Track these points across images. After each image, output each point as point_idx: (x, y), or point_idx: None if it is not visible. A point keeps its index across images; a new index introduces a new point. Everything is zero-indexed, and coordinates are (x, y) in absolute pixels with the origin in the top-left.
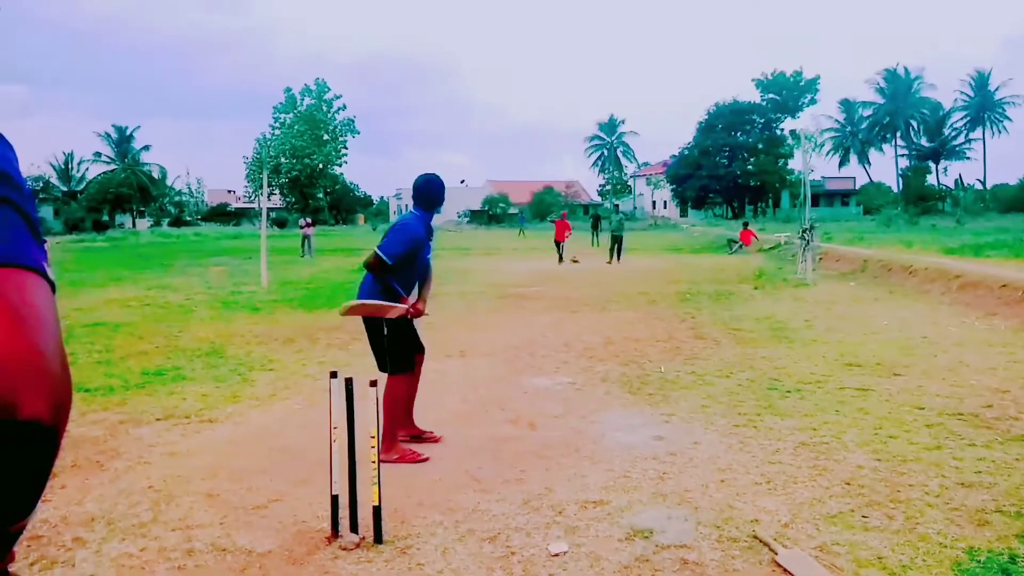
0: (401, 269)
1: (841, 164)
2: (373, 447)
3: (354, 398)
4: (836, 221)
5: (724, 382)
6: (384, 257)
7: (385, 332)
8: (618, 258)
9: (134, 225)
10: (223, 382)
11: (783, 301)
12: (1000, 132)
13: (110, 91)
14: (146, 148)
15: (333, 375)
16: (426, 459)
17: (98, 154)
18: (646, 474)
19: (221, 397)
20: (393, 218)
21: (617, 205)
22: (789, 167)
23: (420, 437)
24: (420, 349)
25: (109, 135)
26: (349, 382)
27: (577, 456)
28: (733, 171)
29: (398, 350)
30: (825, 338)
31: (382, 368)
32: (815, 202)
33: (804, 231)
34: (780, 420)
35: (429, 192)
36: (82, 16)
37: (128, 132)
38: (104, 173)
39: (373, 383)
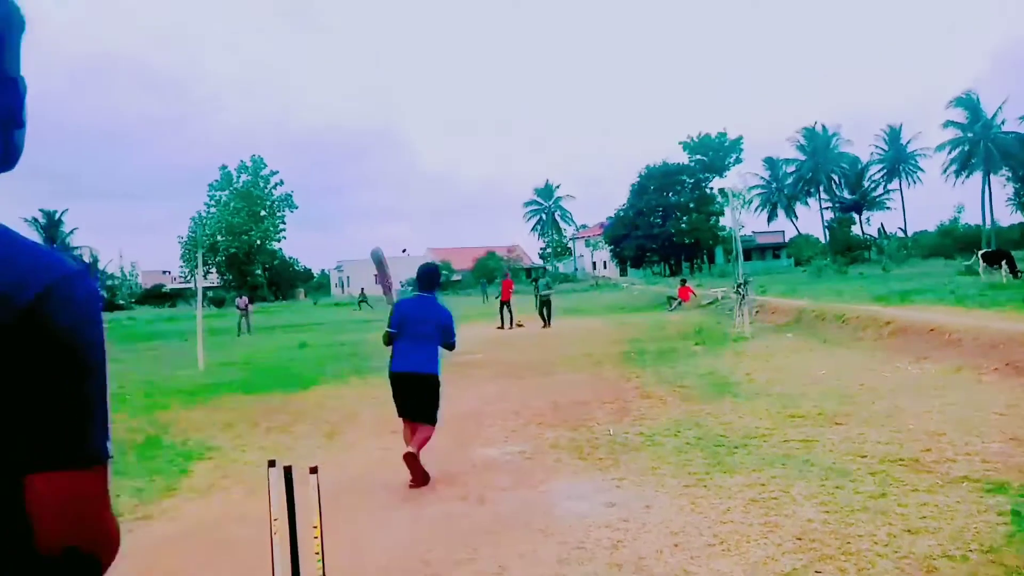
0: None
1: (770, 219)
2: (316, 538)
3: (294, 487)
4: (769, 274)
5: (672, 441)
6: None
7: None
8: (547, 322)
9: None
10: (158, 474)
11: (724, 356)
12: (915, 182)
13: (36, 176)
14: (73, 232)
15: (271, 464)
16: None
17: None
18: (600, 544)
19: (156, 491)
20: (335, 291)
21: (545, 268)
22: (721, 224)
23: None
24: None
25: (37, 220)
26: (288, 471)
27: (529, 529)
28: (667, 230)
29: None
30: (767, 391)
31: (429, 421)
32: (747, 256)
33: (739, 286)
34: (729, 477)
35: (437, 278)
36: None
37: (57, 216)
38: None
39: (313, 470)
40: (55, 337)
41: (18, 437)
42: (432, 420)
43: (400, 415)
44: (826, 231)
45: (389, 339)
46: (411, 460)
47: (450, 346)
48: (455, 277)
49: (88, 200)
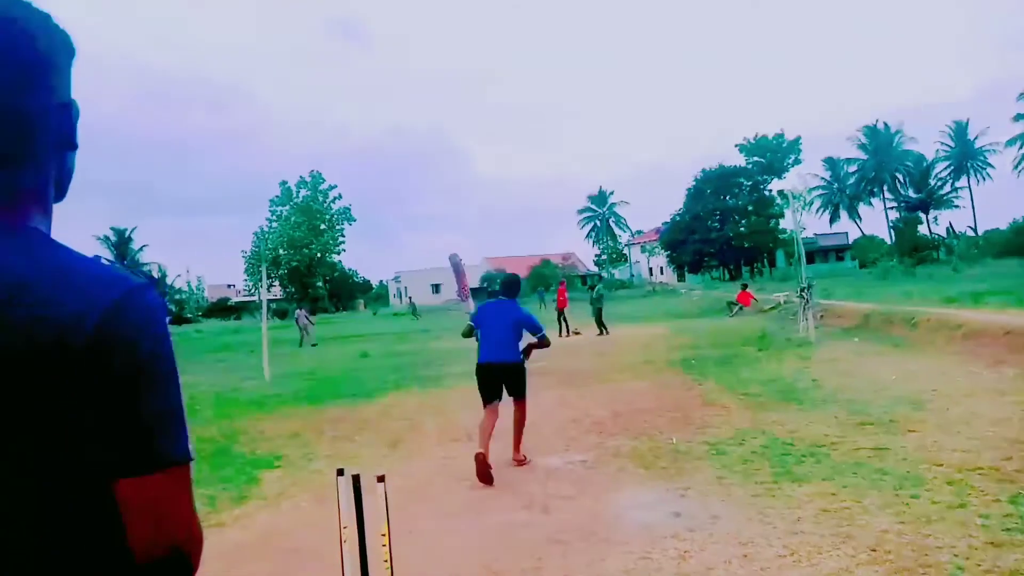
0: None
1: (832, 220)
2: (384, 546)
3: (363, 495)
4: (833, 277)
5: (737, 450)
6: (545, 332)
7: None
8: (604, 329)
9: None
10: (229, 483)
11: (788, 361)
12: (984, 179)
13: (105, 194)
14: (142, 249)
15: (340, 472)
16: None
17: (98, 258)
18: (667, 554)
19: (227, 499)
20: (393, 301)
21: (601, 275)
22: (781, 227)
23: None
24: None
25: (108, 238)
26: (356, 479)
27: (594, 539)
28: (726, 234)
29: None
30: (834, 397)
31: (520, 396)
32: (810, 259)
33: (802, 290)
34: (798, 487)
35: (517, 286)
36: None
37: (127, 234)
38: None
39: (381, 478)
40: (125, 353)
41: (99, 448)
42: (523, 395)
43: (485, 404)
44: (891, 231)
45: (469, 332)
46: (520, 464)
47: (545, 341)
48: None
49: (155, 217)
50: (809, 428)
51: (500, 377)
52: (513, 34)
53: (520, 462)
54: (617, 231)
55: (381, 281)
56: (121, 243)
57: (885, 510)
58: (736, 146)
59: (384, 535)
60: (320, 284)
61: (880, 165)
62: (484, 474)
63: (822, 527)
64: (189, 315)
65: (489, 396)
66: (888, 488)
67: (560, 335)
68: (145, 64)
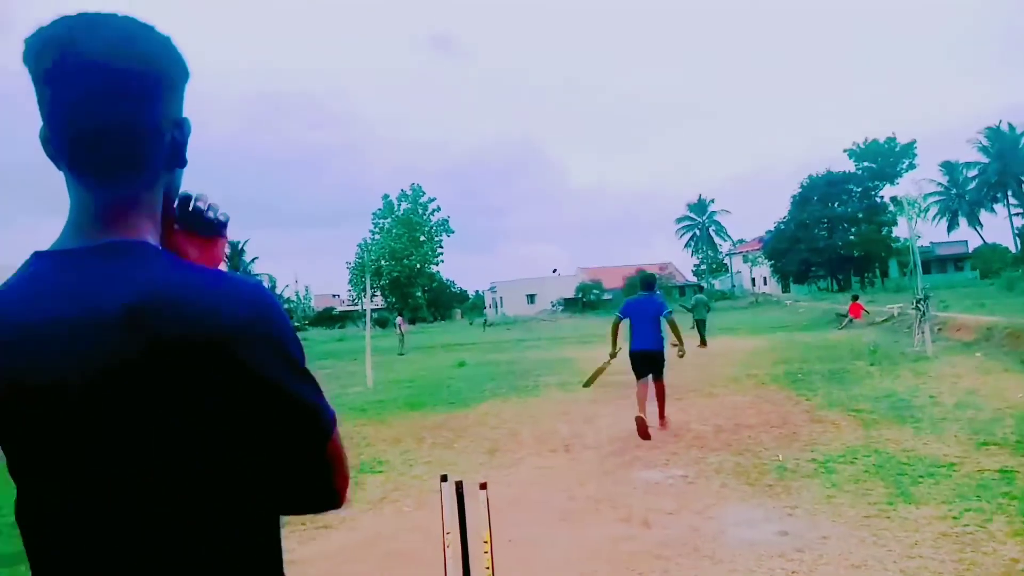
0: None
1: (950, 228)
2: (486, 552)
3: (465, 501)
4: (951, 288)
5: (848, 468)
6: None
7: (664, 357)
8: (703, 340)
9: None
10: None
11: (903, 377)
12: None
13: (223, 208)
14: (254, 260)
15: (443, 479)
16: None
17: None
18: (773, 574)
19: None
20: (488, 311)
21: (701, 286)
22: (894, 235)
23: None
24: None
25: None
26: (459, 486)
27: (696, 556)
28: (834, 243)
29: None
30: (955, 415)
31: (660, 375)
32: (926, 269)
33: (918, 301)
34: (915, 508)
35: (654, 281)
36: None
37: (240, 246)
38: None
39: (483, 486)
40: (260, 363)
41: (266, 445)
42: (662, 375)
43: (638, 378)
44: (1017, 239)
45: (617, 324)
46: (664, 428)
47: (672, 322)
48: (606, 296)
49: (265, 229)
50: (927, 447)
51: (648, 361)
52: (607, 44)
53: (664, 426)
54: (717, 240)
55: (477, 291)
56: (234, 254)
57: (1014, 537)
58: (845, 151)
59: (486, 542)
60: (419, 294)
61: (1004, 168)
62: (644, 433)
63: (942, 552)
64: (297, 323)
65: (641, 373)
66: (1016, 514)
67: None
68: (255, 86)
